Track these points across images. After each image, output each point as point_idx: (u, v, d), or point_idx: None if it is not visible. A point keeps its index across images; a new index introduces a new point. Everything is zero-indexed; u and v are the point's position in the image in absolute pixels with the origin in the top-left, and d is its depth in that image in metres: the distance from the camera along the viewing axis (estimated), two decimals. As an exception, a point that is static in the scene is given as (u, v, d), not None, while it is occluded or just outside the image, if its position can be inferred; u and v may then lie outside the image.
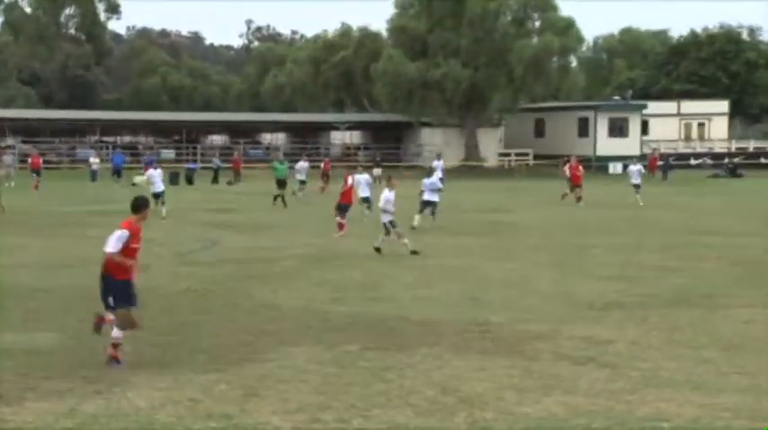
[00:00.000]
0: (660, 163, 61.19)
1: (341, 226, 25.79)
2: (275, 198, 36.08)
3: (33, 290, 16.03)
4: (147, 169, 34.06)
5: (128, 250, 10.63)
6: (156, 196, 30.45)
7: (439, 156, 48.37)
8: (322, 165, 47.65)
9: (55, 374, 10.20)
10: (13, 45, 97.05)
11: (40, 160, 52.08)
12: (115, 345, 10.63)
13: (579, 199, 37.26)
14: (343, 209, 26.47)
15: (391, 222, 21.54)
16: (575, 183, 38.62)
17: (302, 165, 42.99)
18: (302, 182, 41.63)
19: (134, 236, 10.72)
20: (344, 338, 12.16)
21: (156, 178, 31.82)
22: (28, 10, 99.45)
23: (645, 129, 73.90)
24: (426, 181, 27.77)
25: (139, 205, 10.98)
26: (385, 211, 21.67)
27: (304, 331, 12.69)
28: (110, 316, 10.81)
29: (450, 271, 18.78)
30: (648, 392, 9.69)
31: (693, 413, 8.99)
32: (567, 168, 39.60)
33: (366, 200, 29.64)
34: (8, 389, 9.59)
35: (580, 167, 39.18)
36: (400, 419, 8.77)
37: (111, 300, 10.71)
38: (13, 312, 13.99)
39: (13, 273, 18.11)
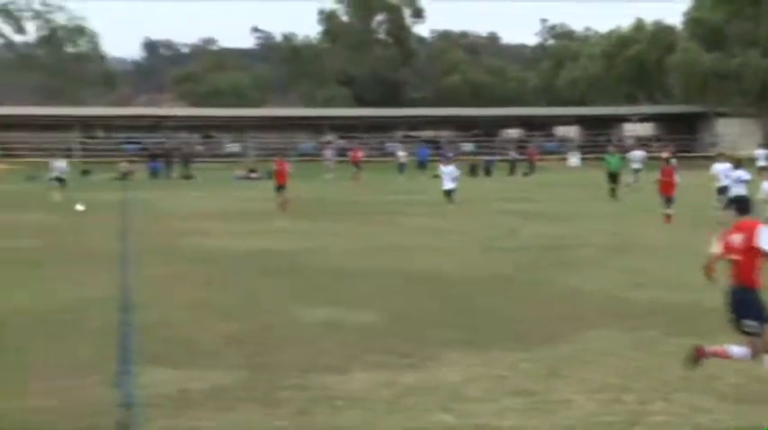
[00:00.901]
0: None
1: (667, 217, 24.46)
2: (612, 191, 34.11)
3: (354, 272, 16.69)
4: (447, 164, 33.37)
5: None
6: (446, 193, 30.36)
7: (762, 146, 46.01)
8: (664, 155, 44.73)
9: (375, 348, 10.58)
10: (331, 50, 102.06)
11: (361, 154, 54.34)
12: None
13: None
14: (666, 200, 24.93)
15: None
16: None
17: (638, 153, 41.53)
18: (637, 170, 39.84)
19: None
20: (644, 323, 11.84)
21: (445, 175, 30.80)
22: (344, 18, 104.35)
23: None
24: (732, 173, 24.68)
25: None
26: None
27: (604, 315, 12.45)
28: (715, 348, 8.97)
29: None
30: None
31: None
32: None
33: (724, 190, 25.40)
34: (335, 360, 10.07)
35: None
36: (702, 404, 8.41)
37: (750, 321, 8.57)
38: (337, 291, 14.63)
39: (336, 256, 18.99)
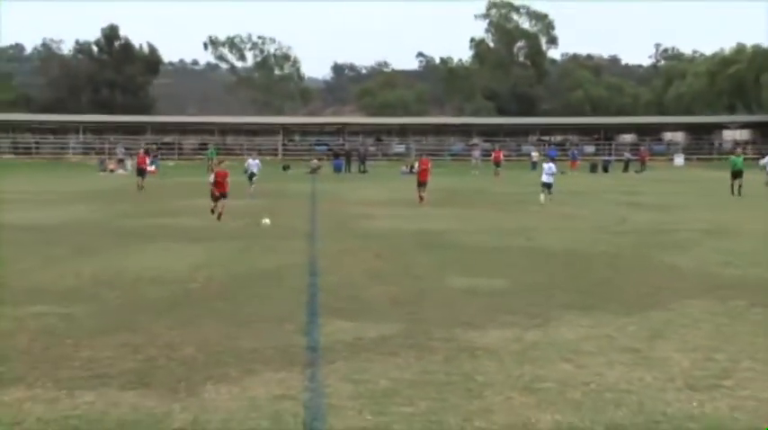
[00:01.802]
0: None
1: None
2: (733, 188, 31.04)
3: (490, 248, 16.57)
4: (574, 164, 31.92)
5: None
6: (543, 185, 28.76)
7: None
8: None
9: (506, 310, 10.48)
10: (479, 71, 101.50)
11: (501, 154, 53.73)
12: None
13: None
14: None
15: None
16: None
17: None
18: None
19: None
20: (734, 295, 11.27)
21: (545, 170, 29.11)
22: (491, 45, 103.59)
23: None
24: None
25: None
26: None
27: (699, 288, 11.93)
28: None
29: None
30: None
31: None
32: None
33: None
34: (475, 318, 10.04)
35: None
36: (784, 365, 7.94)
37: None
38: (477, 264, 14.55)
39: (477, 235, 18.82)
